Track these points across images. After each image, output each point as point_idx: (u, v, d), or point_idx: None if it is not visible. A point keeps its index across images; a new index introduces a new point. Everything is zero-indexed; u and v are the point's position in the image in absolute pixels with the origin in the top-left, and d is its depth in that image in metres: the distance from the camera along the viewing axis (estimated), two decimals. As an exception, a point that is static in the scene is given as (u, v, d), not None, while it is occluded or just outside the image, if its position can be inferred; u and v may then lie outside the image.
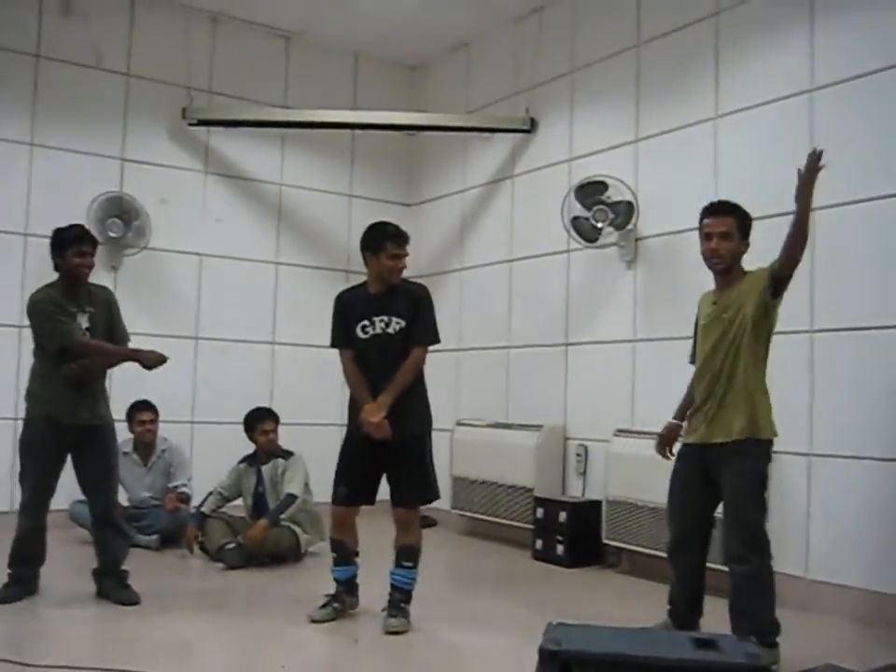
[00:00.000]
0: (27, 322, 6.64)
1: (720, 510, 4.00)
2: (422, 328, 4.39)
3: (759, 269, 3.91)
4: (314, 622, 4.38)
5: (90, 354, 4.60)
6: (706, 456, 3.93)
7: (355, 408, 4.41)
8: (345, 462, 4.47)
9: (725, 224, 3.92)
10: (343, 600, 4.49)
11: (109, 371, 4.96)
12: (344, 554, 4.50)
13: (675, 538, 4.10)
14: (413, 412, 4.39)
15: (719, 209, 3.99)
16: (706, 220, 3.99)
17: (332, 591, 4.51)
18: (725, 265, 3.96)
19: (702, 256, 4.03)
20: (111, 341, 4.72)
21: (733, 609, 3.81)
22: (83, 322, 4.61)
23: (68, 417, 4.55)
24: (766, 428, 3.87)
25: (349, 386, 4.47)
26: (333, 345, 4.51)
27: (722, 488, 3.87)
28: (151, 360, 4.55)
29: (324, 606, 4.46)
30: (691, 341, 4.26)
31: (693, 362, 4.17)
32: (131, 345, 4.80)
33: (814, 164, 3.63)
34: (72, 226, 4.73)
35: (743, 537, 3.79)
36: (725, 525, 3.89)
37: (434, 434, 7.45)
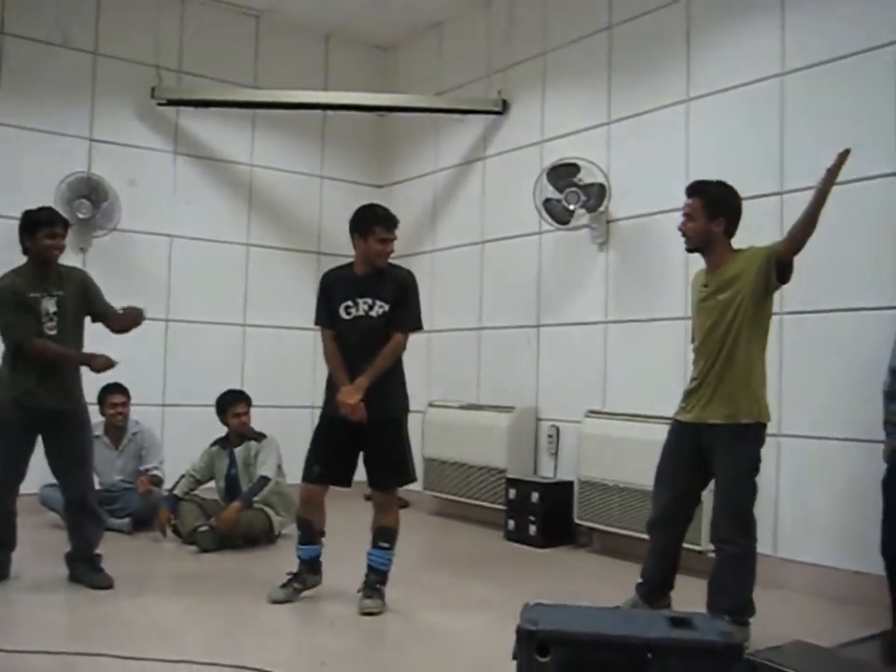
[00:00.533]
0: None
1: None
2: (406, 314, 4.38)
3: (752, 248, 3.91)
4: (273, 602, 4.39)
5: (41, 356, 4.51)
6: (699, 436, 3.94)
7: (332, 388, 4.39)
8: (320, 441, 4.45)
9: (688, 206, 3.97)
10: (304, 580, 4.50)
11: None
12: (310, 534, 4.49)
13: (658, 512, 4.13)
14: (391, 395, 4.38)
15: (687, 190, 4.03)
16: None
17: (295, 570, 4.52)
18: (691, 245, 4.00)
19: None
20: (96, 316, 4.70)
21: (712, 586, 3.86)
22: (50, 306, 4.54)
23: (36, 402, 4.51)
24: (764, 413, 3.89)
25: (328, 367, 4.44)
26: (317, 323, 4.51)
27: (715, 470, 3.90)
28: (100, 366, 4.54)
29: (284, 585, 4.47)
30: (690, 322, 4.23)
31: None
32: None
33: (841, 163, 3.63)
34: (42, 208, 4.69)
35: (732, 520, 3.83)
36: (716, 506, 3.92)
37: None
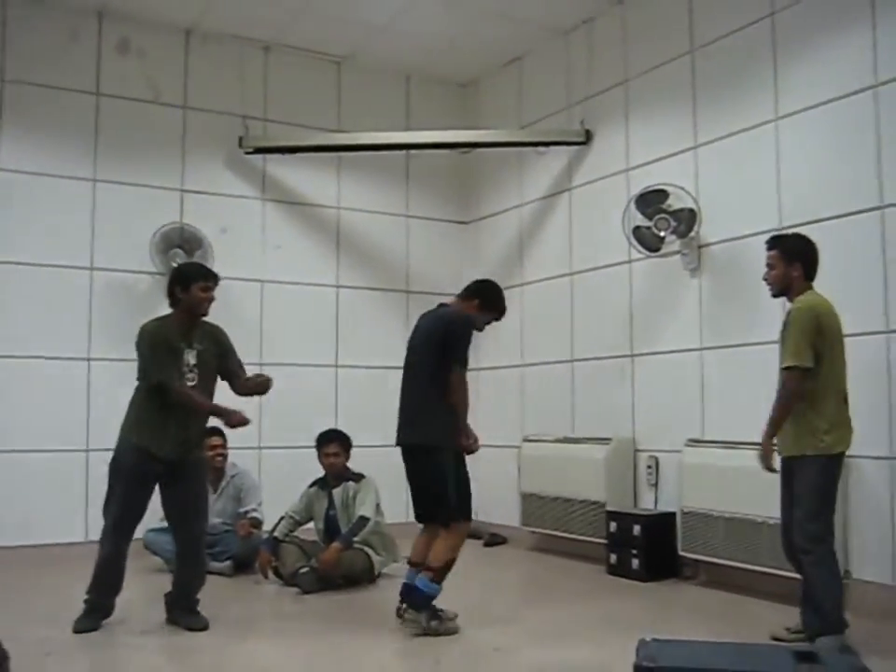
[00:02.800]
0: (97, 355, 6.82)
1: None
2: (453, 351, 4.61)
3: (805, 306, 4.25)
4: None
5: (179, 400, 4.58)
6: (787, 467, 4.34)
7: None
8: (465, 479, 4.63)
9: (770, 257, 4.48)
10: None
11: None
12: None
13: (783, 539, 4.42)
14: None
15: (766, 243, 4.53)
16: None
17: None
18: (774, 291, 4.51)
19: None
20: (224, 375, 4.80)
21: (803, 603, 4.19)
22: (191, 359, 4.64)
23: (159, 450, 4.57)
24: (827, 445, 4.19)
25: (465, 406, 4.61)
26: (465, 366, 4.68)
27: None
28: (236, 421, 4.62)
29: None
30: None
31: None
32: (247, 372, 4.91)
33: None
34: (193, 263, 4.90)
35: (804, 534, 4.17)
36: (794, 529, 4.27)
37: (501, 451, 7.42)
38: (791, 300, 4.39)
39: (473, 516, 4.71)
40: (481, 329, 4.86)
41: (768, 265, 4.47)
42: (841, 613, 4.10)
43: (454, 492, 4.51)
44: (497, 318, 4.95)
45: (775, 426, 4.25)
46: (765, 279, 4.50)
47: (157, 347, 4.58)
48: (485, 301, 4.85)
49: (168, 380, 4.55)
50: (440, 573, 4.48)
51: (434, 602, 4.48)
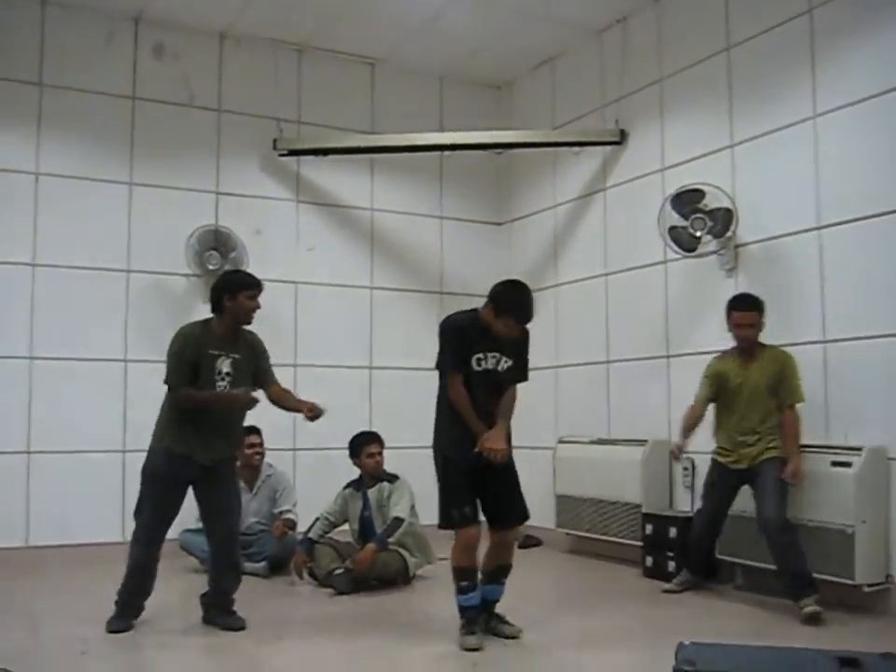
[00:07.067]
0: (134, 357, 6.88)
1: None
2: (521, 368, 4.60)
3: (782, 354, 5.22)
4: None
5: (187, 405, 4.57)
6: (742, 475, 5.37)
7: (463, 432, 4.40)
8: (465, 485, 4.42)
9: (752, 317, 5.20)
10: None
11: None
12: (476, 579, 4.43)
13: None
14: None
15: (748, 305, 5.23)
16: (734, 313, 5.23)
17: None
18: (748, 345, 5.24)
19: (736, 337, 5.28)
20: (259, 384, 4.76)
21: None
22: (225, 367, 4.60)
23: (192, 454, 4.57)
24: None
25: (462, 412, 4.41)
26: (452, 369, 4.45)
27: None
28: (245, 399, 4.57)
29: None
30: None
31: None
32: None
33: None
34: (240, 271, 5.04)
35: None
36: None
37: (536, 452, 7.39)
38: (754, 349, 5.21)
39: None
40: (503, 334, 4.40)
41: (751, 325, 5.15)
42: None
43: None
44: (518, 321, 4.41)
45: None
46: (747, 337, 5.17)
47: (178, 354, 4.58)
48: (497, 305, 4.37)
49: (173, 384, 4.57)
50: None
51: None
